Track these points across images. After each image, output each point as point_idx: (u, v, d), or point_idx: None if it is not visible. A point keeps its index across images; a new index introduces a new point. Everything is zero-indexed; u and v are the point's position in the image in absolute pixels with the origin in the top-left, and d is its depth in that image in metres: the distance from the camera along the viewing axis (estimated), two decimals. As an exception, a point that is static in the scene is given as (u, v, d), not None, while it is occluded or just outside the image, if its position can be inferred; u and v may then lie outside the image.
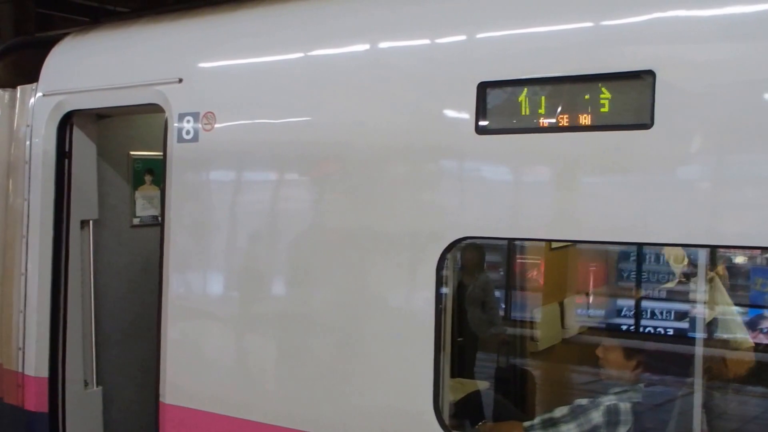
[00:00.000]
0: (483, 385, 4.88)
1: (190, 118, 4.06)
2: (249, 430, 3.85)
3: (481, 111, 3.23)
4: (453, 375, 3.89)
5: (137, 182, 5.32)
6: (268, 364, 3.90)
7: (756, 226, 2.78)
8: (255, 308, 3.96)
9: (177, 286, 4.16)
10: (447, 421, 3.36)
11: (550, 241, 4.86)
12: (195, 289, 4.24)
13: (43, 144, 4.71)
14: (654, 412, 3.67)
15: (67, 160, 4.71)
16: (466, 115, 3.27)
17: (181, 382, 4.11)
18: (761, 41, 2.78)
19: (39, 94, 4.79)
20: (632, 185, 3.01)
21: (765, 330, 7.65)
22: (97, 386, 4.92)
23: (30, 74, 4.86)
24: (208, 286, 4.20)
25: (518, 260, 6.49)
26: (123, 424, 5.15)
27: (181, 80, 4.13)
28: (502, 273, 7.13)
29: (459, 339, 4.90)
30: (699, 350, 3.89)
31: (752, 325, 7.62)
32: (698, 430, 3.45)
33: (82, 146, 4.78)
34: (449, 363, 3.47)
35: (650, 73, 2.89)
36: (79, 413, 4.79)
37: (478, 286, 6.45)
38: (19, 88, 4.95)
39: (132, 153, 5.28)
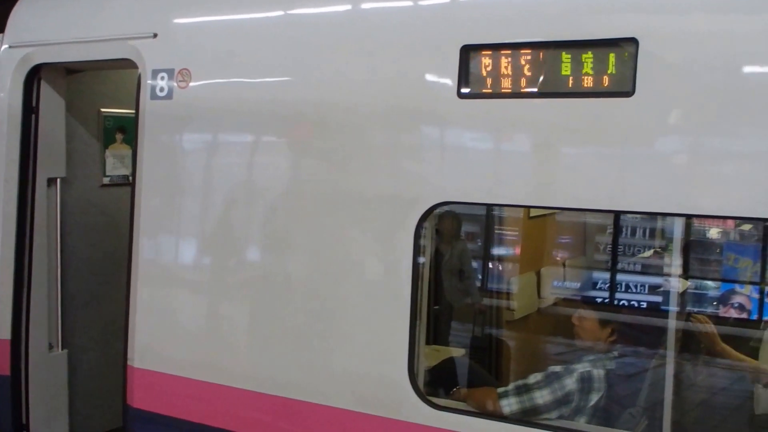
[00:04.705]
0: (458, 352, 4.89)
1: (164, 74, 3.96)
2: (220, 394, 3.82)
3: (463, 75, 3.18)
4: (428, 342, 3.88)
5: (108, 140, 5.23)
6: (241, 329, 3.86)
7: (735, 197, 2.78)
8: (229, 272, 3.91)
9: (148, 248, 4.08)
10: (421, 387, 3.35)
11: (530, 207, 4.85)
12: (166, 251, 4.16)
13: (8, 98, 4.56)
14: (626, 380, 3.70)
15: (33, 116, 4.57)
16: (449, 80, 3.21)
17: (151, 346, 4.05)
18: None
19: (5, 45, 4.62)
20: (613, 153, 2.99)
21: (736, 305, 7.75)
22: (62, 349, 4.84)
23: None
24: (180, 249, 4.13)
25: (495, 228, 6.48)
26: (89, 388, 5.10)
27: (155, 35, 4.02)
28: (479, 242, 7.14)
29: (435, 307, 4.89)
30: (672, 322, 3.93)
31: (724, 300, 7.72)
32: (669, 398, 3.48)
33: (50, 101, 4.64)
34: (425, 330, 3.45)
35: (633, 41, 2.86)
36: (43, 377, 4.71)
37: (455, 255, 6.44)
38: (-17, 39, 4.78)
39: (103, 110, 5.17)
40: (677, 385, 3.76)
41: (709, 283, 7.91)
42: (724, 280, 7.94)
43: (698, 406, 4.41)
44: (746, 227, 7.98)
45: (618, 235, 7.46)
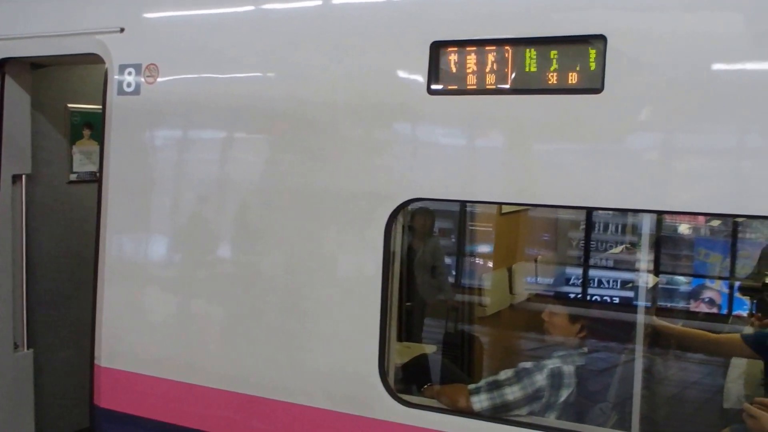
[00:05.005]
0: (431, 349, 4.89)
1: (131, 69, 3.90)
2: (189, 393, 3.78)
3: (433, 71, 3.17)
4: (400, 339, 3.88)
5: (75, 136, 5.14)
6: (212, 327, 3.82)
7: (704, 193, 2.80)
8: (200, 270, 3.86)
9: (114, 245, 4.02)
10: (392, 385, 3.34)
11: (500, 204, 4.86)
12: (134, 249, 4.10)
13: None
14: (597, 375, 3.72)
15: None
16: (419, 76, 3.19)
17: (118, 345, 3.99)
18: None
19: None
20: (583, 149, 3.00)
21: (707, 299, 7.86)
22: (27, 348, 4.75)
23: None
24: (149, 247, 4.08)
25: (467, 225, 6.49)
26: (57, 388, 5.01)
27: (122, 29, 3.96)
28: (452, 238, 7.14)
29: (407, 304, 4.89)
30: (640, 317, 3.96)
31: (695, 295, 7.82)
32: (638, 393, 3.51)
33: (15, 97, 4.55)
34: (396, 327, 3.43)
35: (602, 38, 2.87)
36: (8, 377, 4.63)
37: (428, 251, 6.44)
38: (-55, 32, 4.67)
39: (70, 105, 5.08)
40: (647, 380, 3.80)
41: (680, 278, 8.01)
42: (693, 275, 8.04)
43: (668, 401, 4.46)
44: (716, 223, 8.09)
45: (590, 231, 7.51)
